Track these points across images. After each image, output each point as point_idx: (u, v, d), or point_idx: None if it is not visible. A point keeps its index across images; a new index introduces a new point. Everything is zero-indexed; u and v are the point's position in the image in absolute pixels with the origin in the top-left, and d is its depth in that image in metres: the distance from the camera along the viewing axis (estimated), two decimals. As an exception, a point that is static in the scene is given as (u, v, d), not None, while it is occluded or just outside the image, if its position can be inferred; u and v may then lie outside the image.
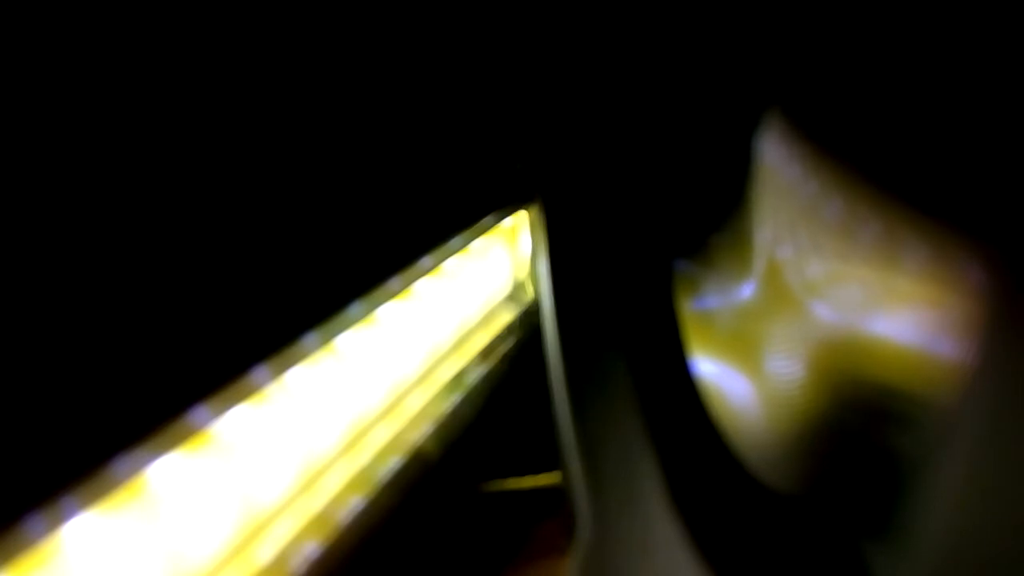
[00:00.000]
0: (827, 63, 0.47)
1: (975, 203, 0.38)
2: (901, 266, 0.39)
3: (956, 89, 0.42)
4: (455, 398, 0.56)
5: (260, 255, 0.46)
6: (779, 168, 0.46)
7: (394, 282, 0.50)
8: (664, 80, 0.65)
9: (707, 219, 0.55)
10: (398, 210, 0.56)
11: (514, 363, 0.63)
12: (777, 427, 0.45)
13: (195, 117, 0.48)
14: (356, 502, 0.46)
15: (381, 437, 0.50)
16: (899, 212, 0.39)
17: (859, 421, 0.42)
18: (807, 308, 0.43)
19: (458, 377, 0.58)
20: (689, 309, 0.53)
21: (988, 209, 0.38)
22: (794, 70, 0.49)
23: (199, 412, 0.35)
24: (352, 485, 0.47)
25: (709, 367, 0.51)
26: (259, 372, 0.39)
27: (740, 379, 0.48)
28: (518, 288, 0.68)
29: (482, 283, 0.64)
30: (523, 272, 0.68)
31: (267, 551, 0.41)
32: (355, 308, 0.46)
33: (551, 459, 0.55)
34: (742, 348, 0.48)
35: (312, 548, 0.42)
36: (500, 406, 0.60)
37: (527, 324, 0.64)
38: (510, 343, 0.64)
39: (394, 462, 0.49)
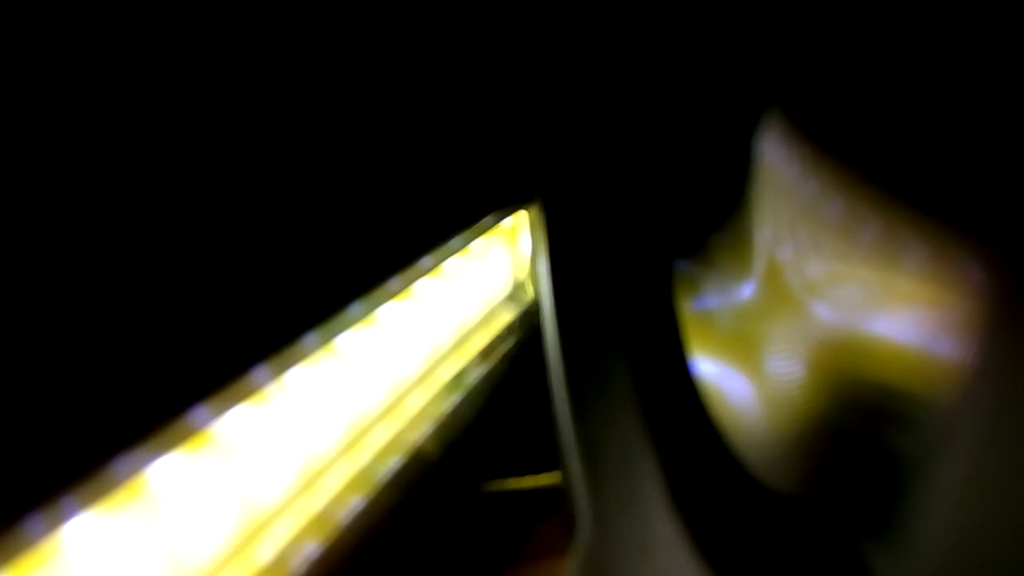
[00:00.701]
0: (827, 63, 0.47)
1: (975, 203, 0.38)
2: (901, 266, 0.39)
3: (956, 89, 0.42)
4: (455, 398, 0.56)
5: (260, 255, 0.46)
6: (779, 168, 0.46)
7: (394, 282, 0.50)
8: (664, 80, 0.65)
9: (707, 219, 0.55)
10: (398, 210, 0.56)
11: (514, 363, 0.63)
12: (777, 427, 0.45)
13: (195, 118, 0.48)
14: (356, 502, 0.46)
15: (381, 437, 0.50)
16: (899, 212, 0.39)
17: (859, 421, 0.42)
18: (807, 308, 0.43)
19: (458, 377, 0.58)
20: (689, 309, 0.53)
21: (988, 209, 0.38)
22: (794, 70, 0.49)
23: (199, 412, 0.35)
24: (352, 485, 0.47)
25: (709, 367, 0.51)
26: (259, 372, 0.39)
27: (740, 379, 0.48)
28: (518, 288, 0.68)
29: (482, 283, 0.64)
30: (523, 272, 0.68)
31: (267, 551, 0.41)
32: (355, 308, 0.46)
33: (551, 459, 0.55)
34: (742, 348, 0.48)
35: (312, 548, 0.42)
36: (500, 406, 0.60)
37: (527, 324, 0.64)
38: (510, 343, 0.64)
39: (394, 462, 0.49)
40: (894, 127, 0.42)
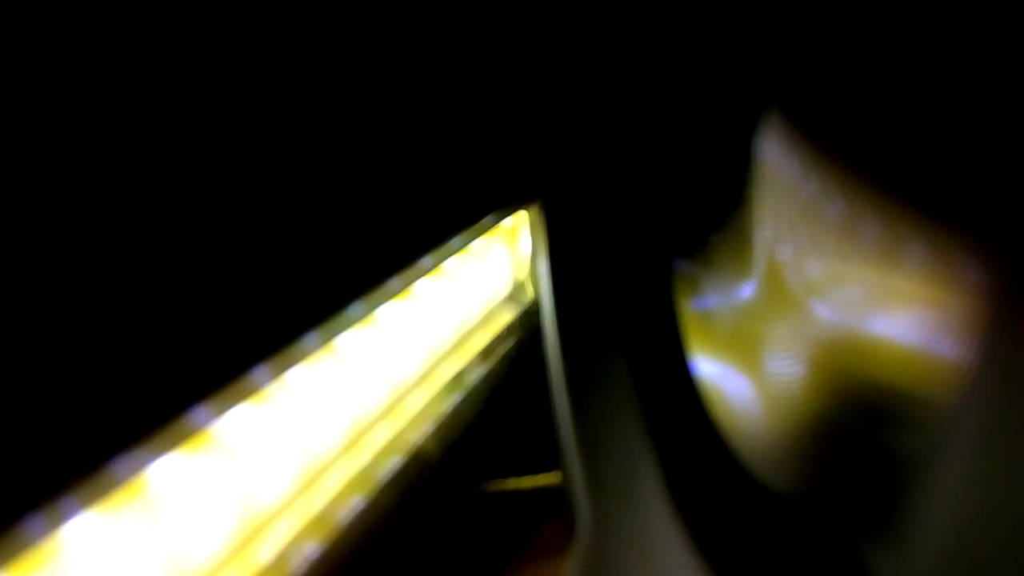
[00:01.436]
0: (826, 63, 0.47)
1: (975, 203, 0.38)
2: (901, 266, 0.39)
3: (956, 89, 0.42)
4: (455, 398, 0.56)
5: (260, 255, 0.46)
6: (779, 168, 0.46)
7: (394, 282, 0.50)
8: (664, 80, 0.65)
9: (707, 219, 0.55)
10: (398, 210, 0.56)
11: (514, 363, 0.63)
12: (777, 427, 0.45)
13: (195, 118, 0.48)
14: (356, 502, 0.46)
15: (381, 437, 0.50)
16: (899, 212, 0.39)
17: (859, 421, 0.42)
18: (807, 308, 0.43)
19: (458, 377, 0.58)
20: (689, 309, 0.53)
21: (988, 209, 0.38)
22: (793, 70, 0.49)
23: (199, 412, 0.35)
24: (352, 485, 0.47)
25: (709, 367, 0.51)
26: (259, 372, 0.39)
27: (740, 379, 0.48)
28: (518, 288, 0.68)
29: (482, 283, 0.64)
30: (523, 272, 0.68)
31: (267, 551, 0.41)
32: (355, 308, 0.46)
33: (551, 459, 0.55)
34: (742, 348, 0.48)
35: (312, 548, 0.42)
36: (500, 406, 0.60)
37: (527, 324, 0.64)
38: (510, 343, 0.64)
39: (394, 462, 0.49)
40: (894, 127, 0.42)
